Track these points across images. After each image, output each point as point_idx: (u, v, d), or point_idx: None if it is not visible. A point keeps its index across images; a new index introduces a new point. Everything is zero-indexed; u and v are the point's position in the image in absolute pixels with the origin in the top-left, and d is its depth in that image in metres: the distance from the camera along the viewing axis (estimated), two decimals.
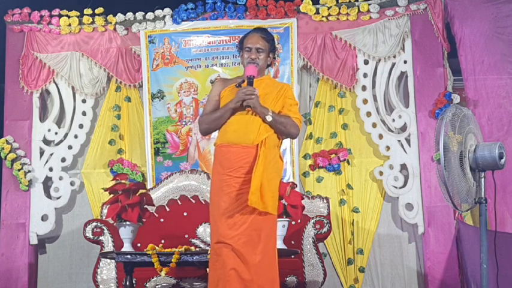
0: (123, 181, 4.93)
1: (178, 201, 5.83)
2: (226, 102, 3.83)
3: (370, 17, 6.14)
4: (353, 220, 6.02)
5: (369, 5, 6.12)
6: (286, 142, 5.96)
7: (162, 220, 5.75)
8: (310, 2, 6.20)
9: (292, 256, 5.10)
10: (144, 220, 4.91)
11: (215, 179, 3.79)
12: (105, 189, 4.99)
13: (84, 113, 6.39)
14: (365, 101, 6.14)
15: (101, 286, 5.34)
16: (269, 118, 3.72)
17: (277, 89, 3.87)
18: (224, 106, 3.81)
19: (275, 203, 3.75)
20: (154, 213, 5.70)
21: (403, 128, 6.07)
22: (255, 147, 3.71)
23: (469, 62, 5.82)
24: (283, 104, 3.85)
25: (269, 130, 3.75)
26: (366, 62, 6.16)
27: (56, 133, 6.37)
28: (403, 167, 6.01)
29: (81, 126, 6.37)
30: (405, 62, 6.08)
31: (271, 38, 3.92)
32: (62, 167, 6.31)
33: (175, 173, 5.96)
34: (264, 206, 3.62)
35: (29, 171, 6.23)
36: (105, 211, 5.61)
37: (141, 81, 6.30)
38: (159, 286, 5.27)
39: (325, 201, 5.70)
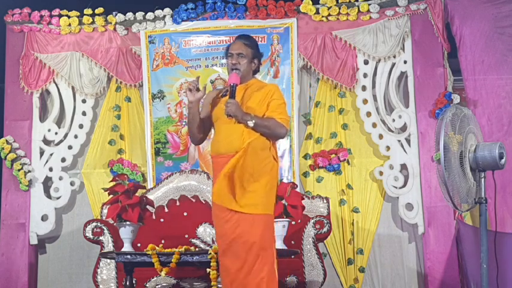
0: (124, 181, 4.93)
1: (178, 201, 5.83)
2: (206, 111, 3.96)
3: (370, 17, 6.14)
4: (353, 220, 6.01)
5: (369, 5, 6.12)
6: (286, 142, 5.98)
7: (162, 220, 5.75)
8: (310, 2, 6.19)
9: (292, 256, 5.10)
10: (144, 220, 4.91)
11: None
12: (105, 190, 5.00)
13: (84, 113, 6.39)
14: (365, 101, 6.13)
15: (101, 286, 5.33)
16: (251, 124, 3.74)
17: (263, 93, 3.87)
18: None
19: (269, 203, 3.78)
20: (154, 214, 5.69)
21: (403, 128, 6.07)
22: None
23: (469, 62, 5.82)
24: (268, 106, 3.85)
25: (254, 135, 3.77)
26: (366, 62, 6.16)
27: (56, 133, 6.36)
28: (403, 167, 6.01)
29: (81, 126, 6.37)
30: (405, 62, 6.08)
31: (255, 44, 3.94)
32: (62, 167, 6.31)
33: (176, 173, 5.95)
34: (223, 201, 3.69)
35: (29, 171, 6.23)
36: (105, 211, 5.61)
37: (141, 81, 6.30)
38: (159, 286, 5.27)
39: (325, 201, 5.70)
